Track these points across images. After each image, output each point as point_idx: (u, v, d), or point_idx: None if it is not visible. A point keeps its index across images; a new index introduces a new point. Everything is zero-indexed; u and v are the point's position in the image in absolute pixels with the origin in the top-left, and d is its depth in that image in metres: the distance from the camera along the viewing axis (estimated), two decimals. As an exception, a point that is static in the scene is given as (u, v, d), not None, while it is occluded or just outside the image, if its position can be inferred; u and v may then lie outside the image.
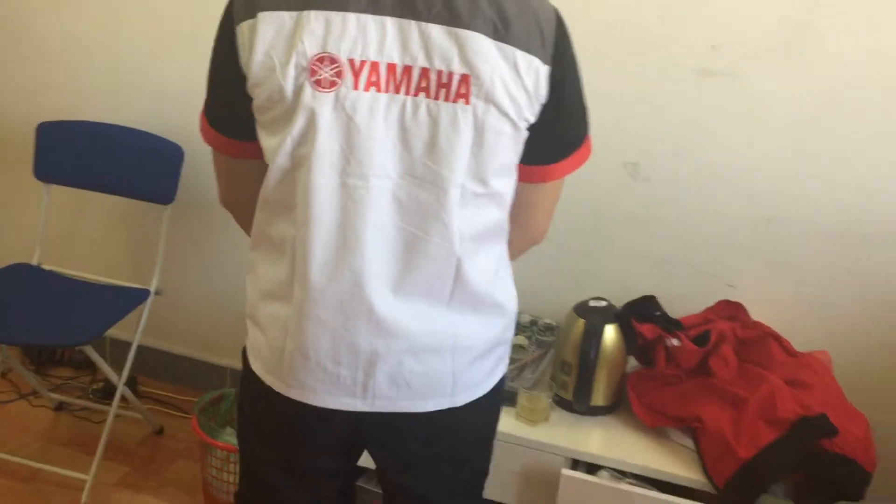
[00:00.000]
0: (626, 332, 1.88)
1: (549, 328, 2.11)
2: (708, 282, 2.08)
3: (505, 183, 1.20)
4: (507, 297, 1.31)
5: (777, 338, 1.93)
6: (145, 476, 2.32)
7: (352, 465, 1.42)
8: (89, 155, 2.33)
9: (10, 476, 2.25)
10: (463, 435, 1.35)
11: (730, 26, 1.92)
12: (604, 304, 1.90)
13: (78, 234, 2.59)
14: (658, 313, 1.90)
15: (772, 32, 1.90)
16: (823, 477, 1.65)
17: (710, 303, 2.03)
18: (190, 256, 2.49)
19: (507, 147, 1.16)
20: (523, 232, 1.34)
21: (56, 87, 2.48)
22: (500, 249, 1.29)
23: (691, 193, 2.06)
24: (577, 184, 2.09)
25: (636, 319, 1.88)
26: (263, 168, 1.18)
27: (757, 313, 2.00)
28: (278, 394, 1.26)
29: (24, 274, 2.32)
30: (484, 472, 1.46)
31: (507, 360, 1.38)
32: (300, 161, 1.13)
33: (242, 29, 1.11)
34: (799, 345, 1.95)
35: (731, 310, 2.00)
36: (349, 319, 1.18)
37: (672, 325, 1.89)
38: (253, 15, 1.10)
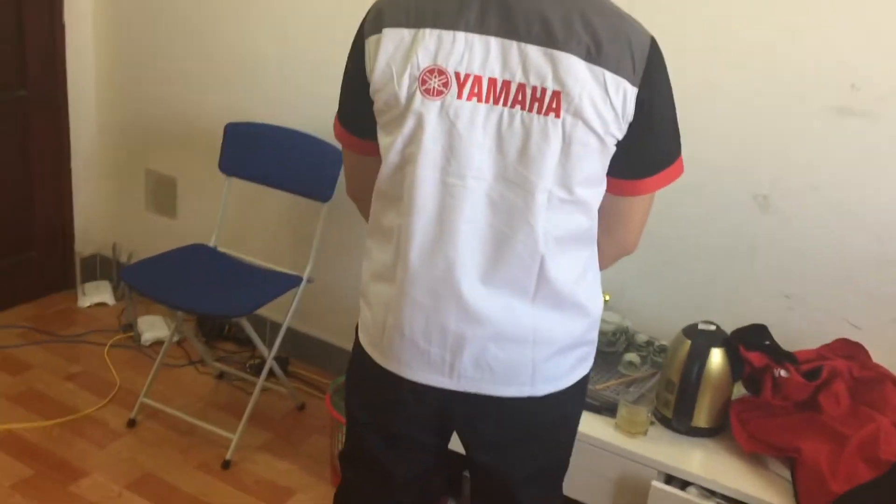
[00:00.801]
0: (733, 358, 1.90)
1: (663, 350, 2.16)
2: (829, 320, 2.06)
3: (590, 192, 1.31)
4: (592, 301, 1.40)
5: None
6: (284, 445, 2.57)
7: (441, 441, 1.55)
8: (264, 154, 2.64)
9: (172, 428, 2.58)
10: (542, 425, 1.45)
11: (869, 66, 1.92)
12: (713, 328, 1.94)
13: (249, 223, 2.91)
14: (767, 342, 1.91)
15: (913, 72, 1.88)
16: (919, 524, 1.61)
17: (829, 341, 2.01)
18: (341, 250, 2.74)
19: (593, 159, 1.27)
20: (614, 242, 1.43)
21: (241, 91, 2.82)
22: (587, 255, 1.38)
23: (819, 230, 2.05)
24: (705, 210, 2.17)
25: (744, 346, 1.90)
26: (381, 164, 1.36)
27: (879, 356, 1.96)
28: (379, 365, 1.42)
29: (201, 253, 2.65)
30: (562, 465, 1.55)
31: (590, 362, 1.47)
32: (408, 158, 1.29)
33: (370, 42, 1.29)
34: (920, 392, 1.89)
35: (849, 349, 1.97)
36: (440, 302, 1.32)
37: (782, 357, 1.90)
38: (379, 30, 1.28)
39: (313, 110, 2.64)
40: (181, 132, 3.01)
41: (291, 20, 2.67)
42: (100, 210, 3.32)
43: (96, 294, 3.25)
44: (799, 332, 2.06)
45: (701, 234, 2.20)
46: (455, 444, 1.55)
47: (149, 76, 3.05)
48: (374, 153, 1.38)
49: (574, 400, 1.48)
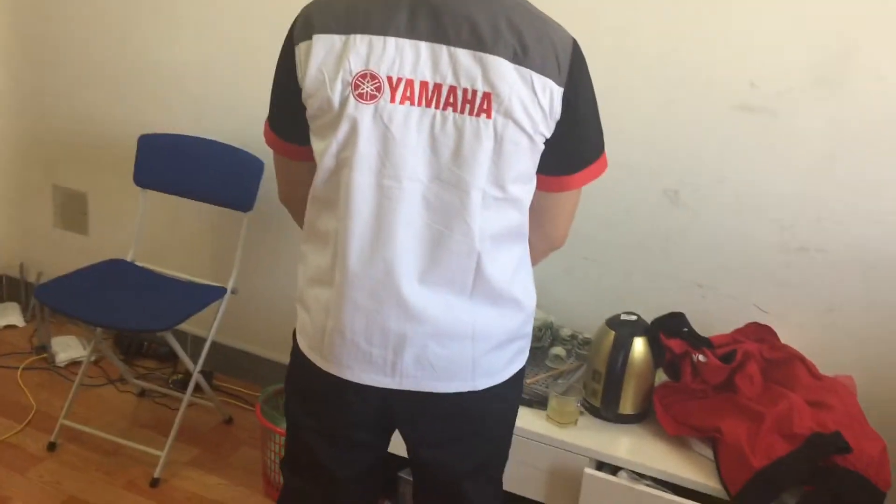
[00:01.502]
0: (654, 346, 1.99)
1: (587, 342, 2.23)
2: (739, 306, 2.18)
3: (522, 189, 1.36)
4: (526, 295, 1.45)
5: (803, 360, 2.01)
6: (213, 459, 2.53)
7: (383, 441, 1.57)
8: (181, 165, 2.60)
9: (95, 449, 2.51)
10: (483, 418, 1.49)
11: (767, 64, 2.04)
12: (634, 318, 2.02)
13: (168, 236, 2.86)
14: (685, 329, 2.01)
15: (806, 71, 2.01)
16: (833, 491, 1.72)
17: (741, 325, 2.12)
18: (264, 260, 2.72)
19: (524, 157, 1.32)
20: (544, 237, 1.49)
21: (156, 103, 2.78)
22: (520, 251, 1.43)
23: (727, 221, 2.17)
24: (620, 207, 2.26)
25: (664, 334, 1.99)
26: (314, 169, 1.37)
27: (786, 337, 2.08)
28: (320, 369, 1.43)
29: (119, 268, 2.59)
30: (503, 456, 1.60)
31: (526, 354, 1.52)
32: (343, 163, 1.31)
33: (300, 48, 1.31)
34: (825, 369, 2.02)
35: (759, 332, 2.08)
36: (381, 304, 1.35)
37: (700, 342, 2.00)
38: (309, 37, 1.30)
39: (232, 120, 2.62)
40: (91, 145, 2.93)
41: (210, 27, 2.64)
42: (4, 229, 3.19)
43: (4, 317, 3.13)
44: (713, 318, 2.17)
45: (617, 230, 2.29)
46: (392, 445, 1.57)
47: (55, 86, 2.96)
48: (307, 158, 1.39)
49: (512, 392, 1.53)
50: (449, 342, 1.38)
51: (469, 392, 1.43)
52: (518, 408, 1.59)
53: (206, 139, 2.61)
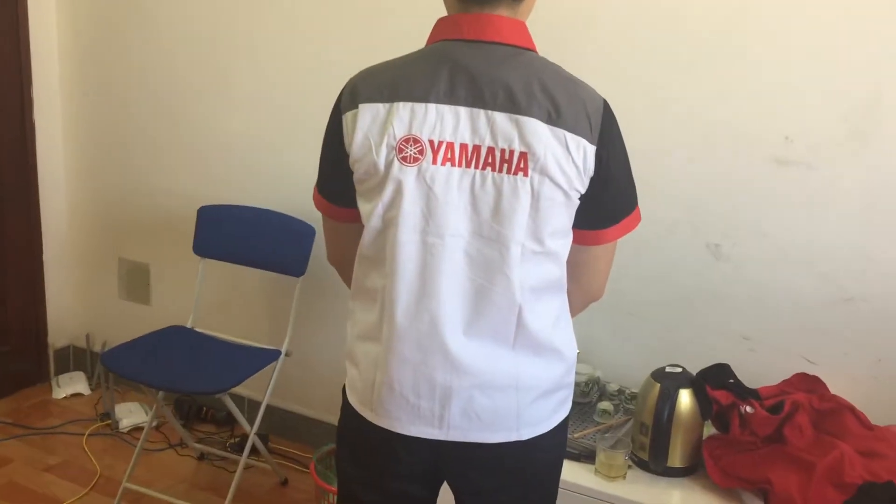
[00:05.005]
0: (701, 398, 2.00)
1: (634, 397, 2.25)
2: (787, 358, 2.18)
3: (559, 243, 1.42)
4: (567, 345, 1.50)
5: (853, 410, 2.00)
6: (269, 520, 2.59)
7: (432, 493, 1.60)
8: (237, 234, 2.73)
9: (156, 512, 2.58)
10: (528, 467, 1.52)
11: (801, 119, 2.09)
12: (679, 370, 2.04)
13: (225, 302, 2.98)
14: (731, 381, 2.02)
15: (840, 122, 2.05)
16: (889, 541, 1.70)
17: (789, 376, 2.12)
18: (316, 324, 2.81)
19: (560, 212, 1.38)
20: (582, 289, 1.54)
21: (212, 176, 2.93)
22: (560, 302, 1.48)
23: (771, 273, 2.19)
24: (664, 263, 2.30)
25: (710, 386, 2.00)
26: (360, 230, 1.45)
27: (835, 388, 2.07)
28: (369, 423, 1.48)
29: (179, 334, 2.70)
30: (549, 506, 1.62)
31: (569, 404, 1.56)
32: (389, 222, 1.39)
33: (347, 117, 1.40)
34: (876, 419, 2.01)
35: (808, 383, 2.08)
36: (427, 356, 1.40)
37: (746, 393, 2.00)
38: (355, 106, 1.39)
39: (284, 189, 2.75)
40: (153, 219, 3.09)
41: (261, 102, 2.79)
42: (72, 301, 3.35)
43: (71, 385, 3.26)
44: (760, 371, 2.17)
45: (662, 286, 2.32)
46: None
47: (119, 165, 3.14)
48: (354, 220, 1.47)
49: (557, 442, 1.56)
50: (494, 393, 1.43)
51: (515, 442, 1.46)
52: (563, 458, 1.61)
53: (259, 208, 2.74)
